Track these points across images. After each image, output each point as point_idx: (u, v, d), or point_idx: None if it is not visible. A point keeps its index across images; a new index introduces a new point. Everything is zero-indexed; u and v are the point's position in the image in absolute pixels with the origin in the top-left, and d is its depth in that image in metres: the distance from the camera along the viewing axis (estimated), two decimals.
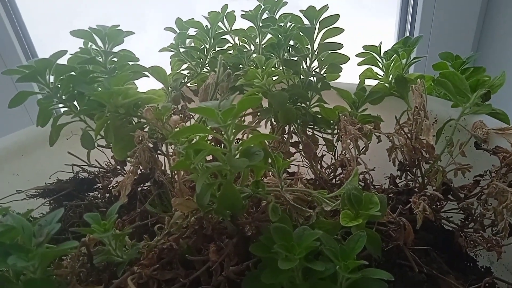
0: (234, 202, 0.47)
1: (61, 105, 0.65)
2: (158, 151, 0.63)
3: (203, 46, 0.81)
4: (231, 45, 0.85)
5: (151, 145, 0.59)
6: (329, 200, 0.55)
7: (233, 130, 0.46)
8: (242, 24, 0.85)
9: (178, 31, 0.82)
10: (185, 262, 0.55)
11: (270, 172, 0.63)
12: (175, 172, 0.63)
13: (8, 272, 0.41)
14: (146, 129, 0.64)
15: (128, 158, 0.61)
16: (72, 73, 0.64)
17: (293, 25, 0.73)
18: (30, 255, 0.38)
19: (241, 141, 0.49)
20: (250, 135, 0.65)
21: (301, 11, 0.73)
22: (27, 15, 1.27)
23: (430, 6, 1.08)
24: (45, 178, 0.76)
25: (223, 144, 0.69)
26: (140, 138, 0.57)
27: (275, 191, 0.53)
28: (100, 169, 0.76)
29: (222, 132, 0.47)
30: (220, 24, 0.83)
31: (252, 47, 0.84)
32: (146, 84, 0.74)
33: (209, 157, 0.68)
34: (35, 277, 0.38)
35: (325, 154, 0.78)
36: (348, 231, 0.55)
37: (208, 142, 0.60)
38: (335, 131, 0.77)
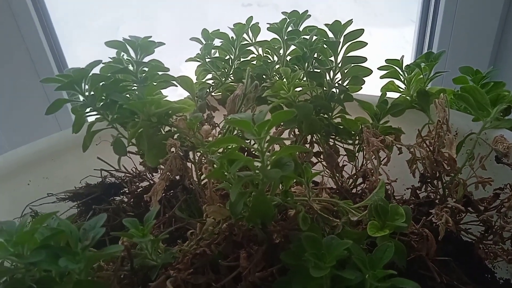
0: (266, 211, 0.49)
1: (94, 113, 0.67)
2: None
3: (228, 56, 0.84)
4: (254, 56, 0.87)
5: (181, 153, 0.61)
6: (354, 211, 0.56)
7: (267, 142, 0.48)
8: (263, 35, 0.87)
9: (204, 42, 0.84)
10: (211, 267, 0.57)
11: (294, 182, 0.65)
12: (204, 179, 0.66)
13: (52, 273, 0.43)
14: (175, 137, 0.66)
15: (160, 166, 0.63)
16: (104, 82, 0.66)
17: (318, 38, 0.74)
18: (77, 257, 0.40)
19: (272, 152, 0.50)
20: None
21: (326, 25, 0.75)
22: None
23: (450, 20, 1.10)
24: (73, 181, 0.78)
25: (251, 153, 0.71)
26: (172, 146, 0.60)
27: (302, 201, 0.55)
28: (127, 174, 0.78)
29: (254, 143, 0.49)
30: (244, 35, 0.85)
31: (275, 58, 0.86)
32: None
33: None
34: (82, 279, 0.41)
35: (346, 164, 0.80)
36: (373, 241, 0.57)
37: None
38: (356, 142, 0.79)
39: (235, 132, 0.69)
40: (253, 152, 0.69)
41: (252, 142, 0.50)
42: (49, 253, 0.39)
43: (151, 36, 0.69)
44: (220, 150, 0.60)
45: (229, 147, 0.58)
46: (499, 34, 1.12)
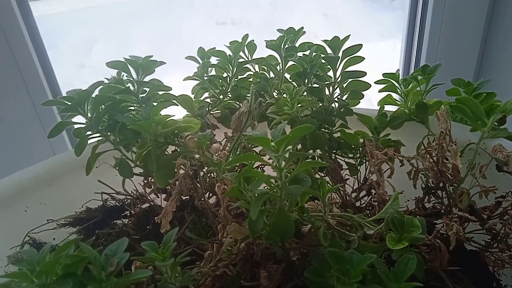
0: (287, 228, 0.49)
1: (96, 135, 0.66)
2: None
3: (225, 74, 0.83)
4: (251, 73, 0.88)
5: (191, 173, 0.60)
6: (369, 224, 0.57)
7: (285, 158, 0.48)
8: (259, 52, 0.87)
9: (200, 61, 0.84)
10: None
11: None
12: (211, 198, 0.65)
13: None
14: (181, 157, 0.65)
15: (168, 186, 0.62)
16: (106, 103, 0.65)
17: (316, 54, 0.75)
18: (104, 285, 0.39)
19: (289, 168, 0.50)
20: None
21: (324, 41, 0.76)
22: None
23: (436, 33, 1.13)
24: (71, 206, 0.76)
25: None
26: (182, 166, 0.59)
27: (318, 216, 0.55)
28: (127, 197, 0.77)
29: (271, 160, 0.49)
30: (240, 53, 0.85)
31: (272, 75, 0.86)
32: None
33: None
34: None
35: (348, 179, 0.80)
36: (388, 254, 0.57)
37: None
38: (357, 155, 0.80)
39: (238, 150, 0.69)
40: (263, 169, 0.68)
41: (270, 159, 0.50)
42: (75, 281, 0.38)
43: (152, 56, 0.69)
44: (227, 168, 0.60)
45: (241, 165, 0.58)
46: (482, 45, 1.16)
